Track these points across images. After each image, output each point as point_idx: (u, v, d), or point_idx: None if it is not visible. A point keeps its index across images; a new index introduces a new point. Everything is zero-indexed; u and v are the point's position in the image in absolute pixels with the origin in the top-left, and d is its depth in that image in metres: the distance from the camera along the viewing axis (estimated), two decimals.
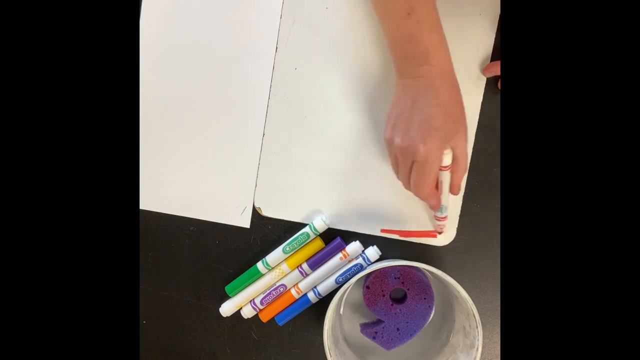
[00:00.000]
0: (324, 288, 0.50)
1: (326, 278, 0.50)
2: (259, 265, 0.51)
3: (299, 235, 0.51)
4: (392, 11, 0.40)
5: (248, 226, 0.52)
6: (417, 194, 0.44)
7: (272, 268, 0.51)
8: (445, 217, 0.49)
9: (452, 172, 0.44)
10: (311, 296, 0.50)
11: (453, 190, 0.46)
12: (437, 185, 0.45)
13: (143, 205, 0.53)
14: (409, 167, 0.42)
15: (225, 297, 0.53)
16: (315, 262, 0.50)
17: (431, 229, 0.51)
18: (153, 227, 0.53)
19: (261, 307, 0.52)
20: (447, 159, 0.43)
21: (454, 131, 0.41)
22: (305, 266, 0.50)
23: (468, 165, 0.44)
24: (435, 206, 0.45)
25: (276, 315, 0.52)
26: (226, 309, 0.52)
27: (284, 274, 0.51)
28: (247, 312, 0.52)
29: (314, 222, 0.50)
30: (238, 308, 0.52)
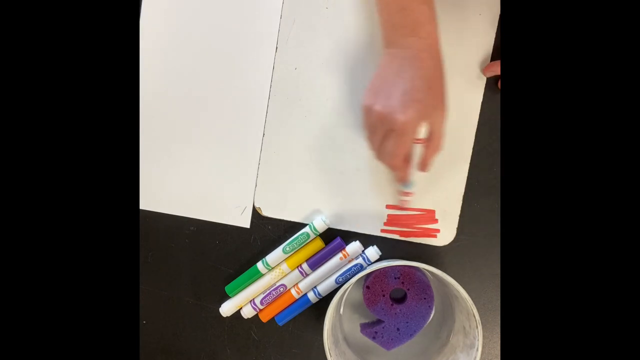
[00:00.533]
0: (324, 288, 0.50)
1: (326, 278, 0.50)
2: (259, 265, 0.51)
3: (299, 235, 0.51)
4: None
5: (248, 226, 0.52)
6: (387, 163, 0.44)
7: (272, 268, 0.51)
8: (411, 193, 0.49)
9: (425, 147, 0.44)
10: (311, 296, 0.50)
11: (421, 166, 0.45)
12: (407, 159, 0.45)
13: (143, 205, 0.53)
14: (384, 135, 0.42)
15: (225, 297, 0.53)
16: (315, 262, 0.50)
17: (430, 228, 0.51)
18: (153, 227, 0.53)
19: (261, 307, 0.52)
20: (422, 132, 0.42)
21: (433, 106, 0.41)
22: (305, 266, 0.50)
23: (442, 144, 0.43)
24: (403, 178, 0.45)
25: (276, 315, 0.52)
26: (226, 309, 0.52)
27: (284, 274, 0.51)
28: (247, 312, 0.52)
29: (314, 222, 0.50)
30: (238, 308, 0.52)
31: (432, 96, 0.40)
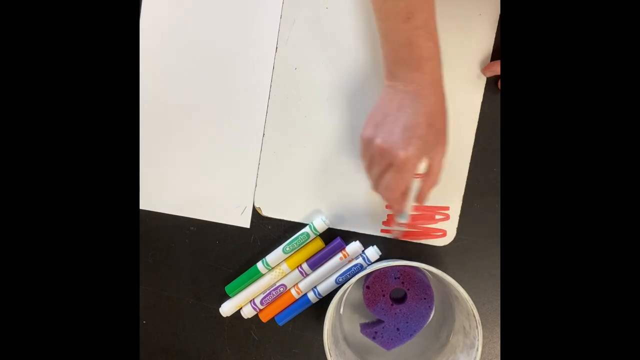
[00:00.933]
0: (324, 288, 0.50)
1: (326, 278, 0.50)
2: (259, 265, 0.51)
3: (299, 235, 0.51)
4: (391, 14, 0.40)
5: (248, 226, 0.52)
6: (385, 197, 0.44)
7: (272, 268, 0.51)
8: (405, 224, 0.50)
9: (422, 181, 0.44)
10: (311, 296, 0.50)
11: (419, 199, 0.46)
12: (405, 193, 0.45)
13: (143, 205, 0.53)
14: (383, 169, 0.42)
15: (225, 297, 0.53)
16: (315, 262, 0.50)
17: (434, 228, 0.51)
18: (153, 227, 0.53)
19: (261, 307, 0.52)
20: (421, 168, 0.42)
21: (434, 142, 0.41)
22: (305, 266, 0.50)
23: (440, 178, 0.44)
24: (399, 211, 0.45)
25: (276, 315, 0.52)
26: (226, 309, 0.52)
27: (284, 274, 0.51)
28: (247, 312, 0.52)
29: (314, 222, 0.50)
30: (238, 308, 0.52)
31: (433, 133, 0.40)
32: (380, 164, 0.42)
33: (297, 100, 0.51)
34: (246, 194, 0.52)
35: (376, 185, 0.44)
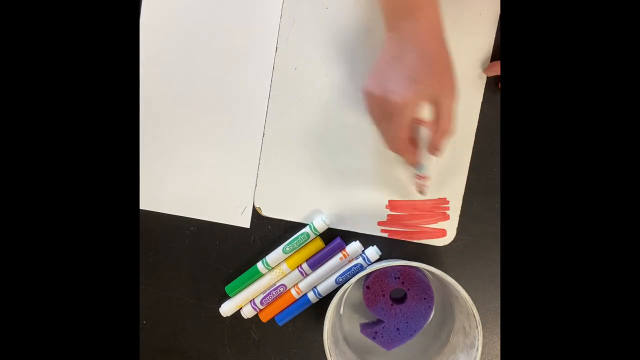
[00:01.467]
0: (324, 288, 0.50)
1: (326, 278, 0.50)
2: (259, 265, 0.51)
3: (299, 235, 0.51)
4: None
5: (248, 226, 0.52)
6: (391, 148, 0.43)
7: (272, 268, 0.51)
8: (425, 176, 0.47)
9: (432, 130, 0.42)
10: (311, 296, 0.50)
11: (430, 149, 0.44)
12: (414, 142, 0.44)
13: (143, 205, 0.53)
14: (386, 119, 0.41)
15: (225, 297, 0.53)
16: (315, 262, 0.50)
17: (434, 228, 0.51)
18: (153, 227, 0.53)
19: (261, 307, 0.52)
20: (425, 113, 0.41)
21: (437, 86, 0.39)
22: (305, 266, 0.50)
23: (452, 126, 0.42)
24: (412, 161, 0.44)
25: (276, 315, 0.52)
26: (226, 309, 0.52)
27: (284, 274, 0.51)
28: (247, 312, 0.52)
29: (314, 222, 0.50)
30: (238, 308, 0.52)
31: (434, 77, 0.39)
32: (381, 115, 0.41)
33: (297, 100, 0.51)
34: (246, 194, 0.52)
35: (384, 139, 0.43)
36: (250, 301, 0.52)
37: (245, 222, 0.52)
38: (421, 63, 0.39)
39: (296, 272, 0.51)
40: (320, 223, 0.50)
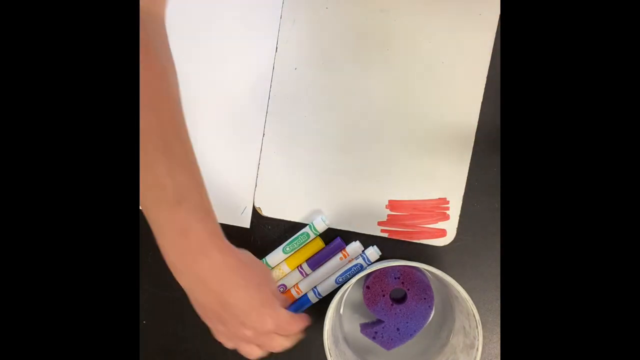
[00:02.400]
0: (324, 288, 0.50)
1: (326, 278, 0.50)
2: None
3: (299, 236, 0.51)
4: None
5: (248, 226, 0.52)
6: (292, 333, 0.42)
7: (272, 268, 0.51)
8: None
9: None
10: (311, 296, 0.50)
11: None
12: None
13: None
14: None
15: None
16: (315, 262, 0.50)
17: (434, 228, 0.51)
18: None
19: None
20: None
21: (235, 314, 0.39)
22: (305, 266, 0.50)
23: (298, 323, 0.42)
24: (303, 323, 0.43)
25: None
26: None
27: (284, 274, 0.51)
28: None
29: (314, 222, 0.50)
30: None
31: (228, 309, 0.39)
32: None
33: (297, 100, 0.51)
34: (246, 194, 0.52)
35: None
36: None
37: (245, 222, 0.52)
38: (215, 299, 0.39)
39: (296, 272, 0.51)
40: (320, 223, 0.50)
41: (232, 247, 0.40)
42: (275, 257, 0.51)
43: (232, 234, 0.52)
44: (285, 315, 0.41)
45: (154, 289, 0.54)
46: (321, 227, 0.50)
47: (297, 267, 0.51)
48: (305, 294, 0.51)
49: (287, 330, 0.41)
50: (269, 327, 0.39)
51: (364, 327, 0.50)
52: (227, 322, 0.40)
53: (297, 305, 0.51)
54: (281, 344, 0.41)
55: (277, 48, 0.50)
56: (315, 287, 0.51)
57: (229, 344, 0.42)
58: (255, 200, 0.52)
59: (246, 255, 0.42)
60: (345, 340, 0.52)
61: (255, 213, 0.52)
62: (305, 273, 0.51)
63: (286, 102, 0.51)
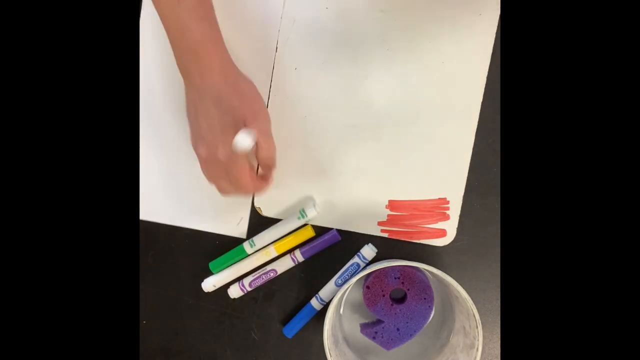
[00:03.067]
0: (326, 294, 0.51)
1: (326, 282, 0.51)
2: (245, 245, 0.51)
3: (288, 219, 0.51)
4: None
5: (244, 237, 0.52)
6: (246, 192, 0.43)
7: (260, 249, 0.51)
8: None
9: (256, 154, 0.43)
10: (315, 303, 0.51)
11: (262, 177, 0.45)
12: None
13: (142, 216, 0.52)
14: (224, 174, 0.42)
15: (225, 295, 0.52)
16: (309, 251, 0.51)
17: (434, 228, 0.51)
18: (153, 227, 0.53)
19: (249, 289, 0.52)
20: (246, 144, 0.40)
21: (240, 119, 0.40)
22: (298, 253, 0.51)
23: (272, 146, 0.43)
24: (260, 188, 0.44)
25: (284, 327, 0.52)
26: (208, 284, 0.52)
27: (269, 255, 0.51)
28: (235, 292, 0.52)
29: (305, 209, 0.50)
30: (221, 285, 0.52)
31: (230, 114, 0.40)
32: (220, 172, 0.42)
33: (297, 100, 0.51)
34: (243, 204, 0.52)
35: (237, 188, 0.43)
36: (238, 282, 0.52)
37: (241, 233, 0.52)
38: (216, 110, 0.40)
39: (287, 258, 0.51)
40: (311, 211, 0.50)
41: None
42: (263, 239, 0.51)
43: (230, 237, 0.53)
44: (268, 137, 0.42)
45: (154, 289, 0.54)
46: (311, 214, 0.50)
47: (289, 253, 0.51)
48: (309, 303, 0.51)
49: (264, 155, 0.42)
50: (248, 143, 0.39)
51: (364, 327, 0.50)
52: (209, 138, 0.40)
53: (303, 314, 0.51)
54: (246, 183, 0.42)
55: (277, 48, 0.50)
56: (317, 294, 0.51)
57: (208, 177, 0.43)
58: (255, 200, 0.52)
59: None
60: (345, 340, 0.52)
61: (255, 213, 0.52)
62: (297, 260, 0.51)
63: (286, 102, 0.51)
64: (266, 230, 0.51)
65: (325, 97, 0.50)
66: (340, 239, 0.50)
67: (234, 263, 0.52)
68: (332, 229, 0.51)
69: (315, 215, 0.50)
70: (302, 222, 0.51)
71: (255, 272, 0.51)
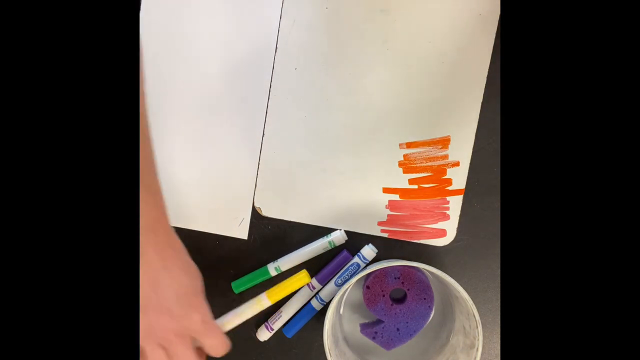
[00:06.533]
0: (326, 294, 0.51)
1: (326, 283, 0.51)
2: (270, 267, 0.51)
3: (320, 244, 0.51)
4: None
5: (246, 237, 0.52)
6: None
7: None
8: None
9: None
10: (315, 304, 0.51)
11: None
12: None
13: None
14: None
15: (224, 295, 0.52)
16: (324, 277, 0.51)
17: (434, 228, 0.51)
18: None
19: (274, 329, 0.52)
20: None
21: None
22: (314, 282, 0.51)
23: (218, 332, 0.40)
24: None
25: (283, 327, 0.52)
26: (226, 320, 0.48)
27: (262, 306, 0.49)
28: (264, 336, 0.52)
29: (334, 240, 0.50)
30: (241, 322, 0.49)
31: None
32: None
33: (297, 100, 0.51)
34: (246, 194, 0.52)
35: None
36: (265, 324, 0.52)
37: (242, 233, 0.52)
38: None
39: (305, 288, 0.51)
40: (339, 240, 0.50)
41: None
42: (289, 260, 0.51)
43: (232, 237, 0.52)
44: (211, 318, 0.39)
45: None
46: (339, 241, 0.50)
47: (308, 284, 0.51)
48: (309, 303, 0.51)
49: (209, 332, 0.39)
50: (196, 320, 0.38)
51: (364, 327, 0.50)
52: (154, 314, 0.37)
53: (303, 314, 0.51)
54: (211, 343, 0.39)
55: (277, 48, 0.50)
56: (317, 294, 0.51)
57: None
58: (255, 200, 0.52)
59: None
60: (345, 340, 0.52)
61: (255, 213, 0.52)
62: (314, 287, 0.51)
63: (286, 102, 0.51)
64: (290, 255, 0.51)
65: (325, 97, 0.50)
66: (351, 258, 0.51)
67: (258, 283, 0.51)
68: (334, 229, 0.51)
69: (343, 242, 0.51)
70: (327, 248, 0.50)
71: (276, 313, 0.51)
